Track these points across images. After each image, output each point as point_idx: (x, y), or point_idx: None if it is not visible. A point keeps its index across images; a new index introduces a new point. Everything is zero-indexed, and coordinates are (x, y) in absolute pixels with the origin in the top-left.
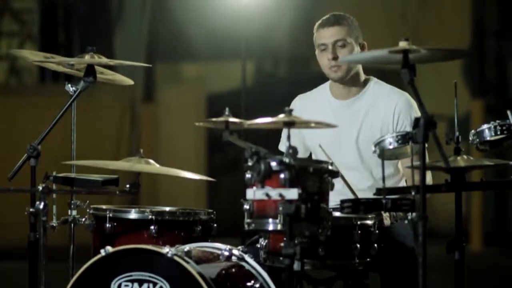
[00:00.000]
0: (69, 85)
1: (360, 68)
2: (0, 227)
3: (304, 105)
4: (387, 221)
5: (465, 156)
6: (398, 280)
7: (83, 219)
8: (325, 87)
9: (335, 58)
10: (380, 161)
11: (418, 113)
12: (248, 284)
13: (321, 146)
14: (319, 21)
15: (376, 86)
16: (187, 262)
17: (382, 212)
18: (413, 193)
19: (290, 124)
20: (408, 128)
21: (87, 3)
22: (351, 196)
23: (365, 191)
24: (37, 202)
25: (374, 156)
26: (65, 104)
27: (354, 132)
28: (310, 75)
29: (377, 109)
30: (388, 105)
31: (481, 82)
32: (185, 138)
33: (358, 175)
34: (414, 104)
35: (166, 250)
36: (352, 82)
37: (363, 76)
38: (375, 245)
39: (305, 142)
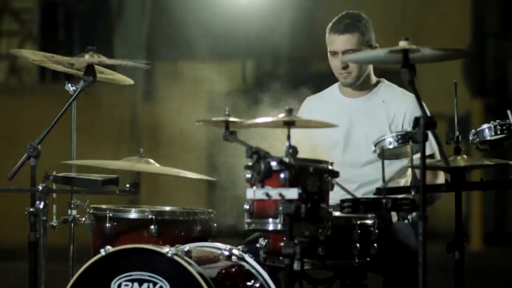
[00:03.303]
0: (69, 84)
1: (371, 70)
2: (0, 227)
3: (313, 104)
4: (395, 218)
5: (465, 156)
6: (402, 280)
7: (83, 219)
8: (334, 87)
9: (345, 67)
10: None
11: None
12: (248, 283)
13: (337, 182)
14: (331, 24)
15: (387, 87)
16: (187, 262)
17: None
18: (413, 192)
19: (290, 124)
20: None
21: (87, 3)
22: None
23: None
24: (37, 202)
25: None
26: (65, 104)
27: (363, 130)
28: (310, 74)
29: (387, 108)
30: (400, 106)
31: (481, 82)
32: (185, 138)
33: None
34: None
35: (166, 250)
36: (361, 85)
37: (374, 79)
38: (375, 244)
39: (313, 140)
